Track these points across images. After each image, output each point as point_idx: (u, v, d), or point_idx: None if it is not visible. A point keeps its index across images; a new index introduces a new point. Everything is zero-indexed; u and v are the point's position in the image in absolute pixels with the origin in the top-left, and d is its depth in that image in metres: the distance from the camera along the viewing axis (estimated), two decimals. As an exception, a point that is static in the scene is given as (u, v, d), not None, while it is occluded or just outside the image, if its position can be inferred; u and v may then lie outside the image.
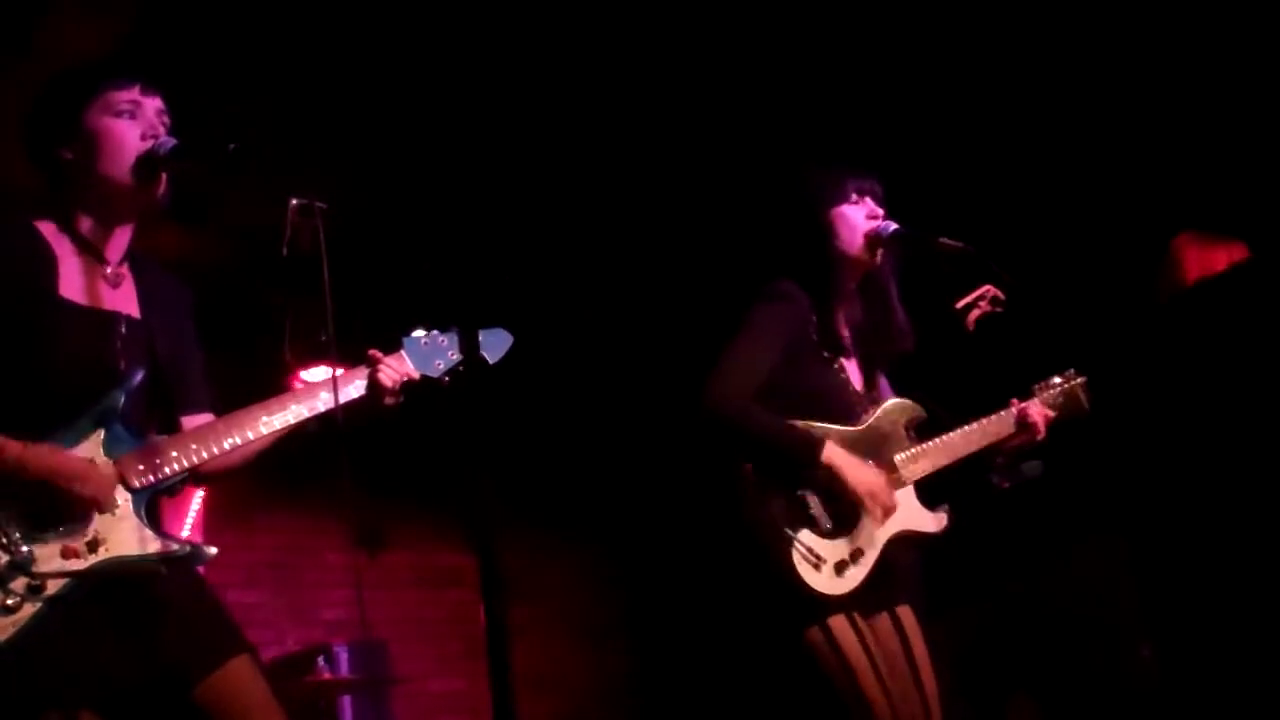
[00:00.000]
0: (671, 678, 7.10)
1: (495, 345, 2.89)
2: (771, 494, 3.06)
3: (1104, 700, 5.14)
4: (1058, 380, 3.58)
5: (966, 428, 3.36)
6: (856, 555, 3.07)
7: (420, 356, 2.77)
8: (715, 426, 3.10)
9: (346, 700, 5.35)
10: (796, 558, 2.99)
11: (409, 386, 2.74)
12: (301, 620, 6.19)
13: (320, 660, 5.14)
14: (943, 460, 3.30)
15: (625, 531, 7.27)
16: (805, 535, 3.02)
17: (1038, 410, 3.45)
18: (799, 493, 3.06)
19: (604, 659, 7.13)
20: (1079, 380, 3.58)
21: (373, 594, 6.00)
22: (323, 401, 2.61)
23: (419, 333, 2.80)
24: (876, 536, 3.13)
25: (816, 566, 3.00)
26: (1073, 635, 5.31)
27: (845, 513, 3.10)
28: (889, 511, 3.13)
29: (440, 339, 2.80)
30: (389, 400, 2.69)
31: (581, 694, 6.88)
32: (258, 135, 2.65)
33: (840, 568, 3.04)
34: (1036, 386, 3.55)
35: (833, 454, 3.06)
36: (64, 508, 2.34)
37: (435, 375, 2.78)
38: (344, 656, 5.46)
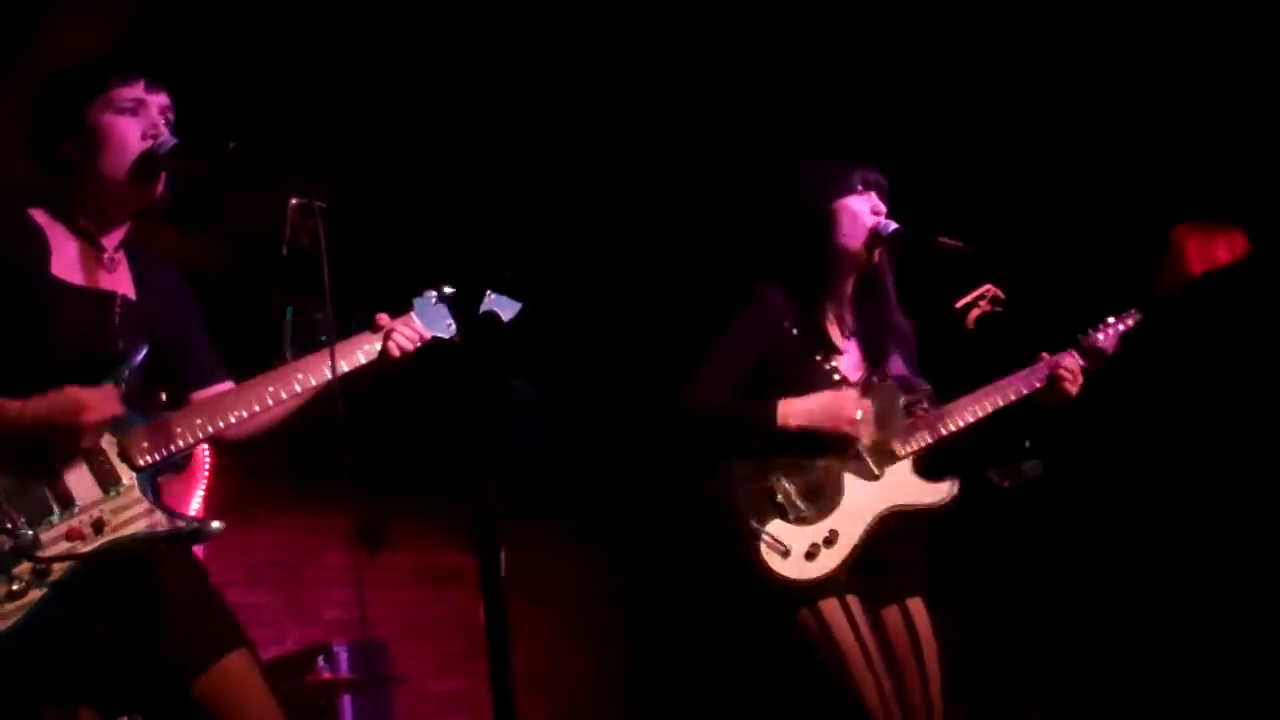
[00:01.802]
0: (671, 678, 7.10)
1: (506, 306, 2.87)
2: (740, 490, 3.13)
3: (1109, 705, 5.14)
4: (1112, 319, 3.49)
5: (964, 398, 3.34)
6: (830, 538, 3.11)
7: (431, 316, 2.76)
8: (685, 425, 3.21)
9: (346, 700, 5.34)
10: (763, 550, 3.07)
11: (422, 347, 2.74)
12: (301, 620, 6.18)
13: (320, 660, 5.14)
14: (942, 430, 3.27)
15: (626, 531, 7.27)
16: (773, 525, 3.10)
17: (1073, 360, 3.38)
18: (767, 484, 3.13)
19: (604, 659, 7.13)
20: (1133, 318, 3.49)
21: (373, 594, 6.00)
22: (329, 369, 2.60)
23: (430, 292, 2.79)
24: (859, 515, 3.15)
25: (784, 555, 3.07)
26: (1077, 640, 5.30)
27: (821, 498, 3.14)
28: (863, 422, 3.15)
29: (450, 299, 2.78)
30: (396, 352, 2.67)
31: (581, 694, 6.87)
32: (257, 134, 2.65)
33: (811, 554, 3.09)
34: (1082, 336, 3.47)
35: (787, 407, 3.14)
36: (72, 444, 2.33)
37: (446, 335, 2.77)
38: (344, 656, 5.45)
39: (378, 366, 2.68)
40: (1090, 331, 3.48)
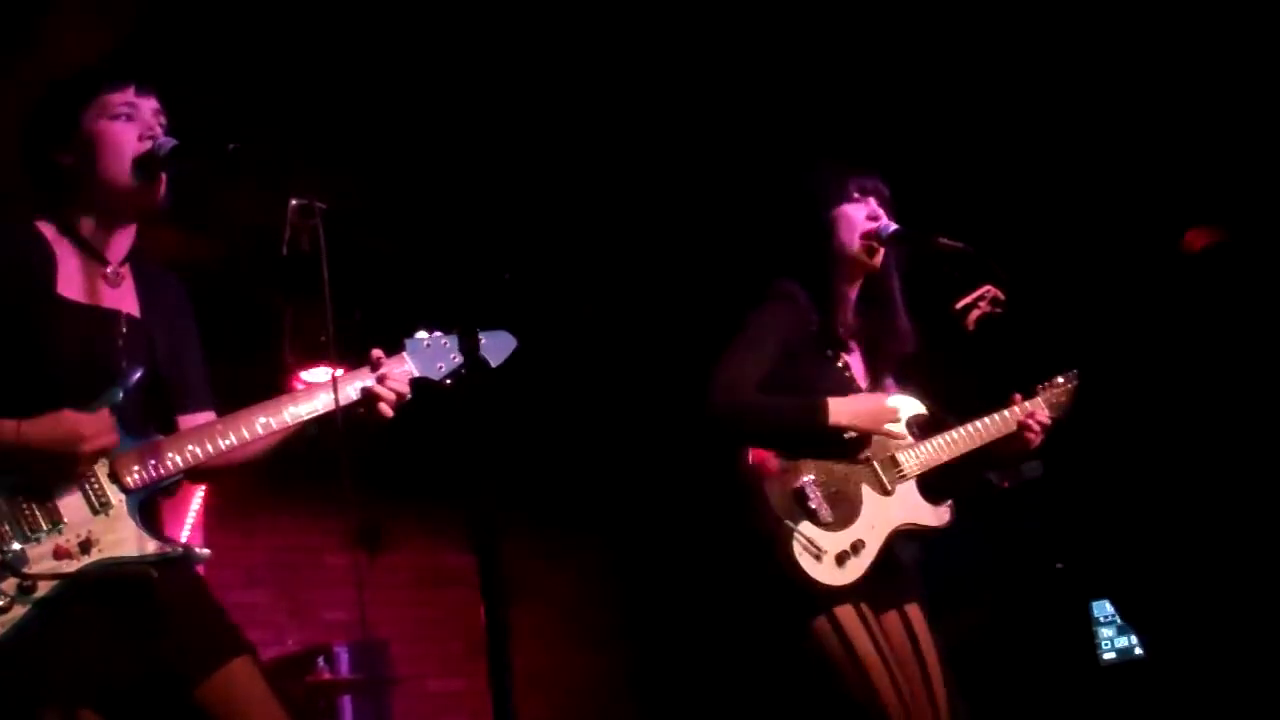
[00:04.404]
0: (671, 678, 7.10)
1: (498, 348, 2.88)
2: (771, 488, 3.09)
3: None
4: (1061, 380, 3.56)
5: (969, 425, 3.36)
6: (858, 546, 3.09)
7: (422, 358, 2.76)
8: (721, 423, 3.14)
9: (346, 700, 5.36)
10: (797, 549, 3.02)
11: (411, 384, 2.73)
12: (301, 620, 6.19)
13: (320, 660, 5.15)
14: (944, 456, 3.30)
15: (626, 531, 7.27)
16: (805, 527, 3.05)
17: (1041, 414, 3.43)
18: (798, 485, 3.09)
19: (604, 659, 7.14)
20: (1077, 381, 3.57)
21: (373, 594, 6.01)
22: (322, 403, 2.59)
23: (421, 334, 2.78)
24: (878, 528, 3.15)
25: (818, 558, 3.03)
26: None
27: (845, 505, 3.13)
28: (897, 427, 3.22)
29: (443, 340, 2.78)
30: (386, 411, 2.67)
31: (581, 694, 6.88)
32: (257, 135, 2.65)
33: (841, 559, 3.06)
34: (1040, 386, 3.53)
35: (837, 407, 3.14)
36: (68, 471, 2.33)
37: (436, 378, 2.76)
38: (344, 656, 5.47)
39: (367, 403, 2.65)
40: (1046, 385, 3.54)
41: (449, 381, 2.76)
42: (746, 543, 3.12)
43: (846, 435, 3.17)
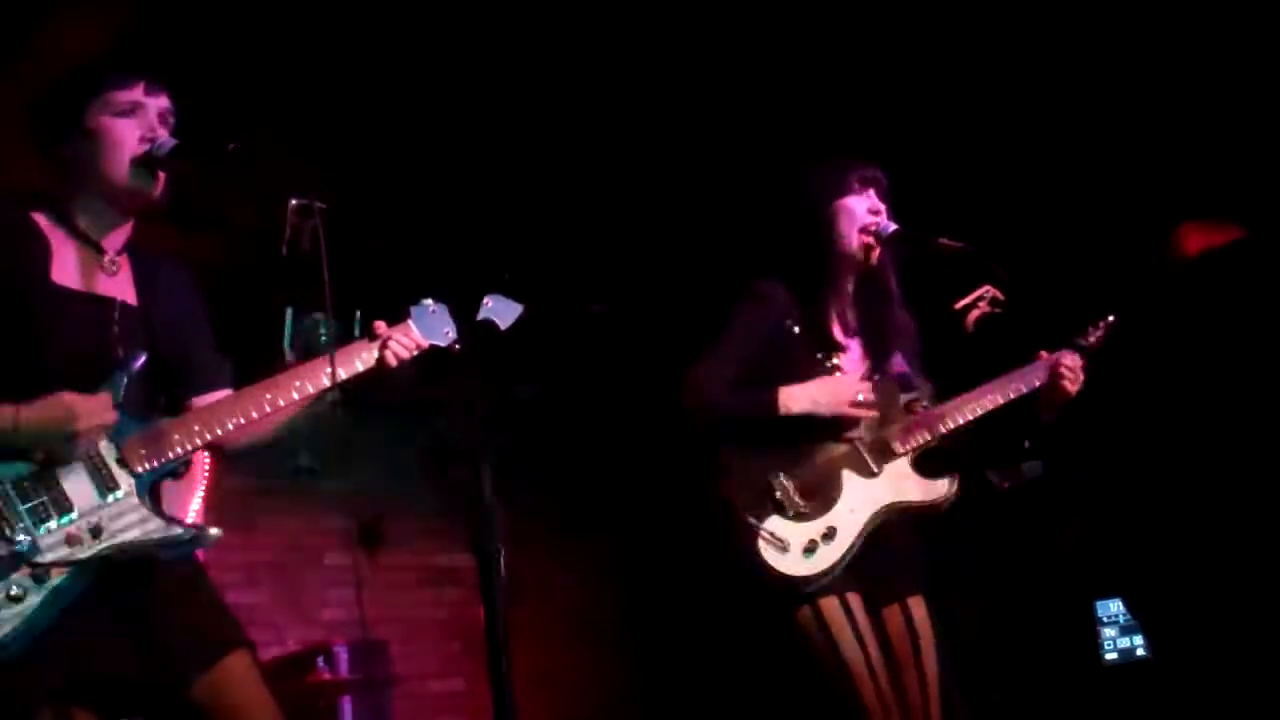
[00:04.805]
0: (671, 678, 7.10)
1: (506, 311, 2.89)
2: (738, 486, 3.13)
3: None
4: (1100, 325, 3.51)
5: (964, 395, 3.34)
6: (829, 535, 3.10)
7: (428, 325, 2.77)
8: (692, 418, 3.19)
9: (346, 700, 5.35)
10: (761, 544, 3.07)
11: (420, 355, 2.75)
12: (301, 620, 6.19)
13: (320, 660, 5.14)
14: (942, 427, 3.28)
15: (626, 531, 7.27)
16: (771, 521, 3.09)
17: (1069, 358, 3.38)
18: (765, 480, 3.13)
19: (604, 659, 7.13)
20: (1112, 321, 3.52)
21: (372, 594, 6.00)
22: (327, 376, 2.60)
23: (427, 301, 2.80)
24: (858, 511, 3.15)
25: (783, 550, 3.06)
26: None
27: (820, 493, 3.14)
28: (865, 405, 3.17)
29: (448, 307, 2.80)
30: (401, 355, 2.68)
31: (581, 694, 6.87)
32: (257, 135, 2.65)
33: (809, 549, 3.08)
34: (1075, 338, 3.48)
35: (788, 394, 3.14)
36: (66, 451, 2.34)
37: (444, 343, 2.77)
38: (344, 656, 5.46)
39: (375, 374, 2.68)
40: (1085, 332, 3.49)
41: (458, 346, 2.77)
42: (721, 541, 3.16)
43: (815, 420, 3.17)
